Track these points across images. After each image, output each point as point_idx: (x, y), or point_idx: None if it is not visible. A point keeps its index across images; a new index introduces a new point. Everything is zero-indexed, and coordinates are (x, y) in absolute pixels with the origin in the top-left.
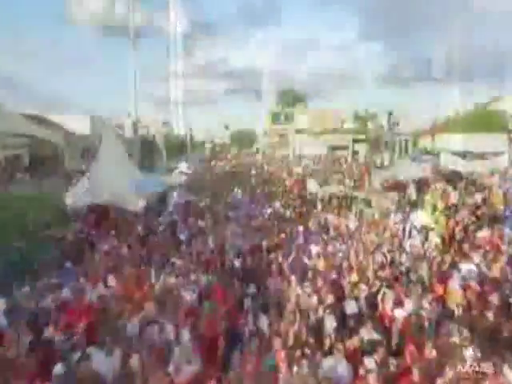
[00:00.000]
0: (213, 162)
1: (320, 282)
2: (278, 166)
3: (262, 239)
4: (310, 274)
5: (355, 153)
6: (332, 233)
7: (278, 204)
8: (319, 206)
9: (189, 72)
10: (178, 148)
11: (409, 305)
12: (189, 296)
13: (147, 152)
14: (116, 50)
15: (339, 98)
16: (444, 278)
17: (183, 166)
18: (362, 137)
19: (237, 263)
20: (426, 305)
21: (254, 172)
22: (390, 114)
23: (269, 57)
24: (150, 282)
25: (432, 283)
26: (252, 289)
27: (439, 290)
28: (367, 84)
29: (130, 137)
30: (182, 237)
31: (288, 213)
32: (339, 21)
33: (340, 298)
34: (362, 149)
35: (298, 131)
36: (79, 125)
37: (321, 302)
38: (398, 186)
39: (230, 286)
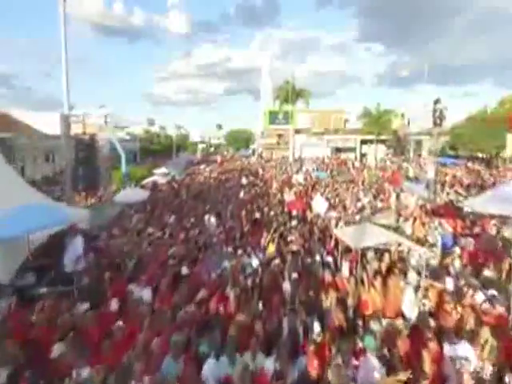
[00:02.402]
0: (202, 166)
1: None
2: (275, 173)
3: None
4: None
5: (363, 155)
6: (376, 327)
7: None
8: (344, 267)
9: (189, 72)
10: (168, 149)
11: None
12: None
13: (84, 158)
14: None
15: (339, 97)
16: None
17: (159, 174)
18: (372, 137)
19: None
20: None
21: (245, 181)
22: (437, 101)
23: (269, 57)
24: None
25: None
26: None
27: None
28: (367, 84)
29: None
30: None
31: (285, 266)
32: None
33: None
34: (371, 151)
35: (298, 131)
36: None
37: None
38: (451, 212)
39: None
